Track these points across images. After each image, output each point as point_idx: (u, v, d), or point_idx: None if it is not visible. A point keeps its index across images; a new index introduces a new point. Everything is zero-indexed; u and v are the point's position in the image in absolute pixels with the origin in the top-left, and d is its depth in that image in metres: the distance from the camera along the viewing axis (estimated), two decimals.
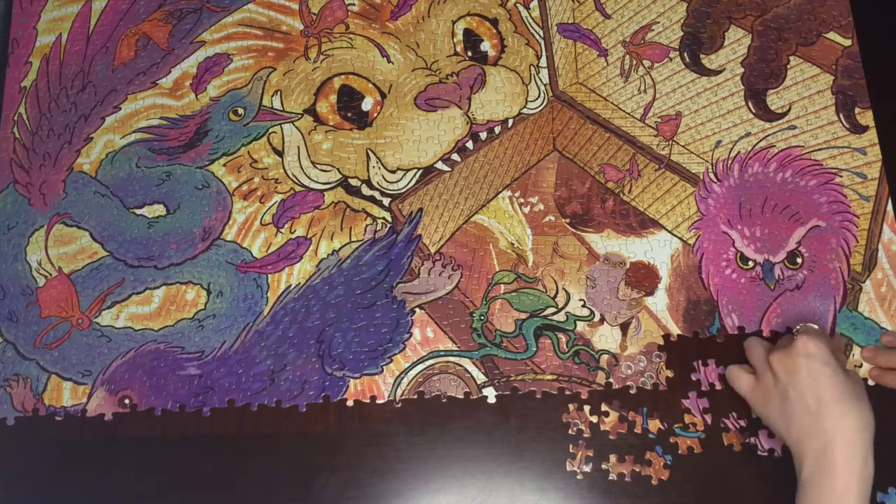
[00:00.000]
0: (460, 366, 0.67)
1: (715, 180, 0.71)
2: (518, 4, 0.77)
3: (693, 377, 0.65)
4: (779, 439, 0.60)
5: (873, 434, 0.54)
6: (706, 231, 0.70)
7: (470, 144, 0.73)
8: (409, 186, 0.72)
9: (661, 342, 0.67)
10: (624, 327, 0.67)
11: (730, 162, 0.71)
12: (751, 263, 0.68)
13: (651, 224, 0.70)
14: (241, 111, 0.74)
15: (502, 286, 0.69)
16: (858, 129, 0.72)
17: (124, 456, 0.66)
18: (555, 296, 0.68)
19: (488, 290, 0.69)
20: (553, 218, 0.71)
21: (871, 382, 0.64)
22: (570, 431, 0.64)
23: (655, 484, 0.62)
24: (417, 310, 0.68)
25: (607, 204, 0.71)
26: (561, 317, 0.68)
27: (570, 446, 0.64)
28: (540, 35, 0.76)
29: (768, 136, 0.72)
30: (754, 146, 0.72)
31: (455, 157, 0.73)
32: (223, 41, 0.77)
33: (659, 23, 0.76)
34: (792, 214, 0.69)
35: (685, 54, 0.75)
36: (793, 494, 0.57)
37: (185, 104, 0.75)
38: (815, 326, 0.61)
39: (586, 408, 0.65)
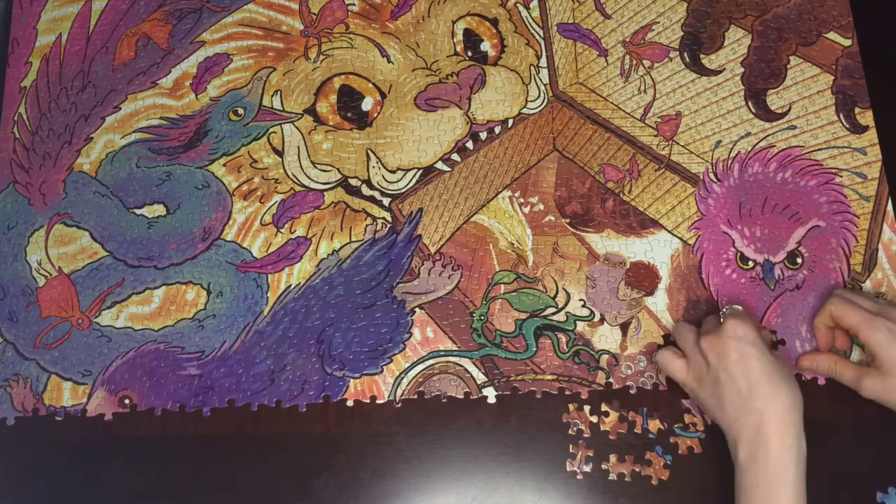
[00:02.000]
0: (460, 366, 0.67)
1: (715, 180, 0.71)
2: (518, 4, 0.77)
3: None
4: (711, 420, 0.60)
5: (802, 412, 0.55)
6: (706, 231, 0.70)
7: (470, 144, 0.73)
8: (409, 186, 0.72)
9: (662, 342, 0.67)
10: (624, 327, 0.67)
11: (730, 162, 0.71)
12: (751, 263, 0.68)
13: (651, 224, 0.70)
14: (241, 111, 0.74)
15: (502, 286, 0.69)
16: (858, 129, 0.72)
17: (124, 456, 0.66)
18: (555, 296, 0.68)
19: (488, 290, 0.69)
20: (553, 218, 0.71)
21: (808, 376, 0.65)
22: (570, 431, 0.64)
23: (655, 484, 0.62)
24: (417, 310, 0.68)
25: (607, 204, 0.71)
26: (561, 317, 0.68)
27: (570, 446, 0.64)
28: (540, 35, 0.76)
29: (768, 136, 0.72)
30: (754, 146, 0.72)
31: (455, 157, 0.73)
32: (223, 41, 0.77)
33: (659, 23, 0.76)
34: (792, 214, 0.69)
35: (685, 54, 0.75)
36: None
37: (185, 104, 0.75)
38: (741, 308, 0.62)
39: (586, 408, 0.65)
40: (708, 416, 0.60)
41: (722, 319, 0.60)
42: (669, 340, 0.67)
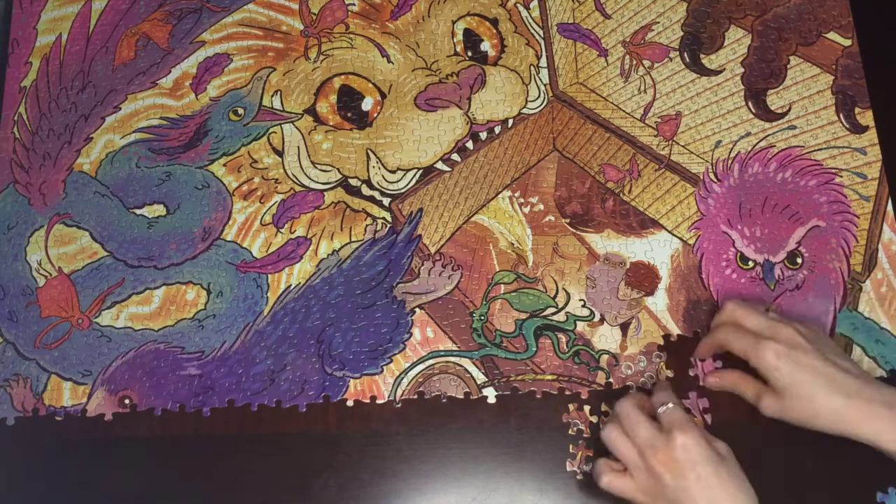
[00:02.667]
0: (460, 366, 0.67)
1: (715, 180, 0.71)
2: (518, 4, 0.77)
3: (691, 373, 0.65)
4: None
5: None
6: (706, 231, 0.70)
7: (470, 144, 0.73)
8: (409, 186, 0.72)
9: (662, 342, 0.67)
10: (624, 327, 0.67)
11: (730, 162, 0.71)
12: (751, 263, 0.68)
13: (651, 224, 0.70)
14: (241, 111, 0.74)
15: (502, 286, 0.69)
16: (858, 129, 0.72)
17: (124, 456, 0.66)
18: (555, 296, 0.68)
19: (488, 290, 0.69)
20: (553, 218, 0.71)
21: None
22: (570, 431, 0.64)
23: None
24: (417, 310, 0.68)
25: (607, 204, 0.71)
26: (561, 317, 0.68)
27: (570, 446, 0.64)
28: (540, 35, 0.76)
29: (768, 136, 0.72)
30: (754, 146, 0.72)
31: (455, 157, 0.73)
32: (223, 41, 0.77)
33: (659, 23, 0.76)
34: (792, 214, 0.69)
35: (685, 54, 0.75)
36: (796, 493, 0.58)
37: (185, 104, 0.75)
38: (674, 407, 0.57)
39: (586, 408, 0.65)
40: None
41: (661, 413, 0.57)
42: (669, 340, 0.67)
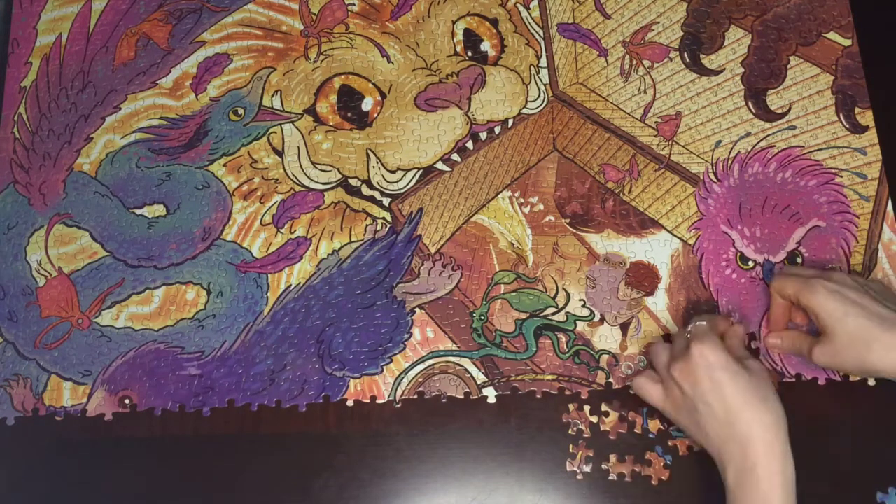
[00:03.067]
0: (460, 366, 0.67)
1: (715, 180, 0.71)
2: (518, 4, 0.77)
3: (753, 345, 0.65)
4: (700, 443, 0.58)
5: (787, 427, 0.55)
6: (706, 231, 0.70)
7: (470, 144, 0.73)
8: (409, 186, 0.72)
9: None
10: (624, 327, 0.67)
11: (730, 162, 0.71)
12: (751, 263, 0.68)
13: (651, 224, 0.70)
14: (241, 111, 0.74)
15: (502, 286, 0.69)
16: (858, 129, 0.72)
17: (124, 456, 0.66)
18: (555, 296, 0.68)
19: (488, 290, 0.69)
20: (553, 218, 0.71)
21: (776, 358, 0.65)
22: (570, 431, 0.64)
23: (655, 484, 0.62)
24: (417, 310, 0.68)
25: (607, 204, 0.71)
26: (561, 317, 0.68)
27: (570, 446, 0.64)
28: (540, 35, 0.76)
29: (768, 136, 0.72)
30: (754, 146, 0.72)
31: (455, 157, 0.73)
32: (223, 41, 0.77)
33: (659, 23, 0.76)
34: (792, 214, 0.69)
35: (685, 54, 0.75)
36: (796, 493, 0.57)
37: (185, 104, 0.75)
38: (705, 325, 0.60)
39: (586, 408, 0.65)
40: (692, 440, 0.59)
41: (688, 331, 0.60)
42: (668, 341, 0.67)
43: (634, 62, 0.75)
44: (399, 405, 0.66)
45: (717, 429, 0.55)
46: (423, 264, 0.69)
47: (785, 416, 0.55)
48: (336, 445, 0.65)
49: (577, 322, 0.67)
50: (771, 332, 0.64)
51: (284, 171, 0.73)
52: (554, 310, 0.68)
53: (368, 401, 0.66)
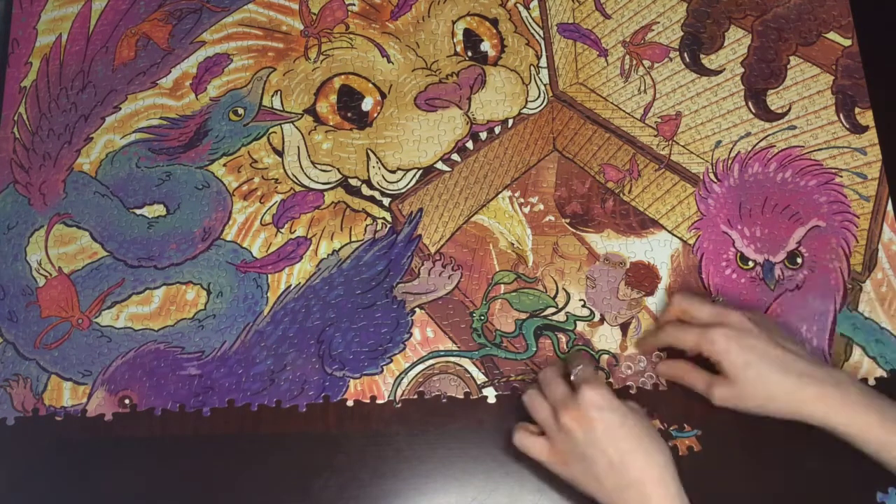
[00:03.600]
0: (460, 366, 0.67)
1: (715, 180, 0.71)
2: (518, 4, 0.77)
3: (640, 365, 0.65)
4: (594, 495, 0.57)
5: (675, 466, 0.55)
6: (706, 231, 0.70)
7: (470, 144, 0.73)
8: (409, 186, 0.72)
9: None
10: (624, 327, 0.67)
11: (730, 162, 0.71)
12: (751, 263, 0.68)
13: (651, 224, 0.70)
14: (241, 111, 0.74)
15: (502, 286, 0.69)
16: (858, 129, 0.72)
17: (124, 456, 0.66)
18: (555, 296, 0.68)
19: (488, 290, 0.69)
20: (553, 218, 0.71)
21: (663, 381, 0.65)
22: None
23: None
24: (417, 310, 0.68)
25: (607, 204, 0.71)
26: (561, 317, 0.68)
27: None
28: (540, 35, 0.76)
29: (768, 136, 0.72)
30: (754, 146, 0.72)
31: (455, 157, 0.73)
32: (223, 41, 0.77)
33: (659, 23, 0.76)
34: (792, 214, 0.69)
35: (685, 54, 0.75)
36: (795, 494, 0.58)
37: (185, 104, 0.75)
38: (583, 368, 0.59)
39: None
40: (583, 491, 0.57)
41: (573, 377, 0.59)
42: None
43: (634, 62, 0.75)
44: (399, 405, 0.66)
45: (611, 475, 0.54)
46: (423, 264, 0.69)
47: (671, 457, 0.55)
48: (336, 445, 0.65)
49: (577, 322, 0.67)
50: (664, 361, 0.64)
51: (284, 171, 0.73)
52: (554, 310, 0.68)
53: (368, 401, 0.66)
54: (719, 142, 0.72)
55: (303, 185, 0.72)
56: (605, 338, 0.67)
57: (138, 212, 0.72)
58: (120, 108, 0.75)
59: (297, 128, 0.74)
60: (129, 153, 0.74)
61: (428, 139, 0.73)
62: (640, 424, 0.56)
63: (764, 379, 0.56)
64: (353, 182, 0.72)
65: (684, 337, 0.60)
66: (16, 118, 0.75)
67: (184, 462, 0.65)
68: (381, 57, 0.76)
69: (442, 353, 0.67)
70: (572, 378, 0.60)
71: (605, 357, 0.66)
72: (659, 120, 0.73)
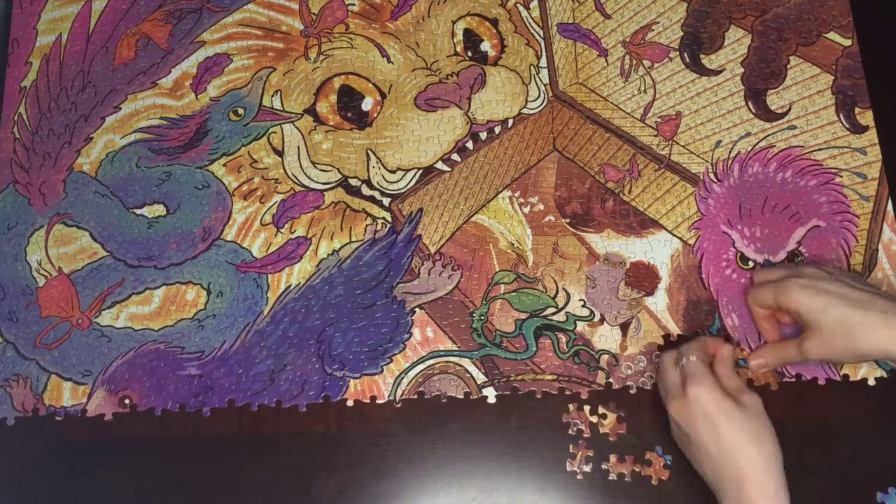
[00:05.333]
0: (460, 366, 0.67)
1: (715, 180, 0.71)
2: (518, 4, 0.77)
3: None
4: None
5: (781, 464, 0.55)
6: (706, 231, 0.70)
7: (470, 144, 0.73)
8: (409, 186, 0.72)
9: (662, 342, 0.67)
10: (624, 327, 0.67)
11: (730, 162, 0.71)
12: (751, 263, 0.68)
13: (651, 224, 0.70)
14: (241, 111, 0.74)
15: (502, 286, 0.69)
16: (858, 129, 0.72)
17: (124, 456, 0.66)
18: (555, 296, 0.68)
19: (488, 290, 0.69)
20: (553, 218, 0.71)
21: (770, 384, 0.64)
22: (570, 431, 0.64)
23: (655, 484, 0.62)
24: (417, 310, 0.68)
25: (607, 204, 0.71)
26: (561, 317, 0.68)
27: (570, 446, 0.64)
28: (540, 35, 0.76)
29: (768, 136, 0.72)
30: (754, 146, 0.72)
31: (455, 157, 0.73)
32: (223, 41, 0.77)
33: (659, 23, 0.76)
34: (792, 214, 0.69)
35: (685, 54, 0.75)
36: (795, 494, 0.57)
37: (185, 104, 0.75)
38: (696, 360, 0.59)
39: (586, 408, 0.65)
40: (695, 467, 0.59)
41: (682, 363, 0.59)
42: (669, 340, 0.67)
43: (634, 62, 0.75)
44: (399, 405, 0.66)
45: (713, 466, 0.56)
46: (423, 264, 0.69)
47: (779, 453, 0.55)
48: (336, 445, 0.65)
49: (577, 322, 0.67)
50: (751, 354, 0.64)
51: (284, 171, 0.73)
52: (554, 310, 0.68)
53: (368, 401, 0.66)
54: (719, 142, 0.72)
55: (303, 185, 0.72)
56: (605, 338, 0.67)
57: (138, 212, 0.72)
58: (120, 108, 0.75)
59: (297, 128, 0.74)
60: (129, 153, 0.74)
61: (428, 139, 0.73)
62: (745, 422, 0.55)
63: (846, 319, 0.55)
64: (353, 182, 0.72)
65: (764, 294, 0.60)
66: (16, 118, 0.75)
67: (184, 462, 0.65)
68: (381, 57, 0.76)
69: (442, 353, 0.67)
70: (680, 364, 0.59)
71: (605, 357, 0.66)
72: (659, 120, 0.73)
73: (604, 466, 0.63)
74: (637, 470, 0.63)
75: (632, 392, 0.65)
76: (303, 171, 0.73)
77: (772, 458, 0.55)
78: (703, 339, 0.62)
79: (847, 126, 0.72)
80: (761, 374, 0.64)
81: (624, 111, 0.73)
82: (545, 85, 0.75)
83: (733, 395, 0.57)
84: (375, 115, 0.74)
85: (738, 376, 0.60)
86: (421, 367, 0.67)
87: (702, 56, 0.75)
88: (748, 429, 0.55)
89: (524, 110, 0.74)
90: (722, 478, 0.55)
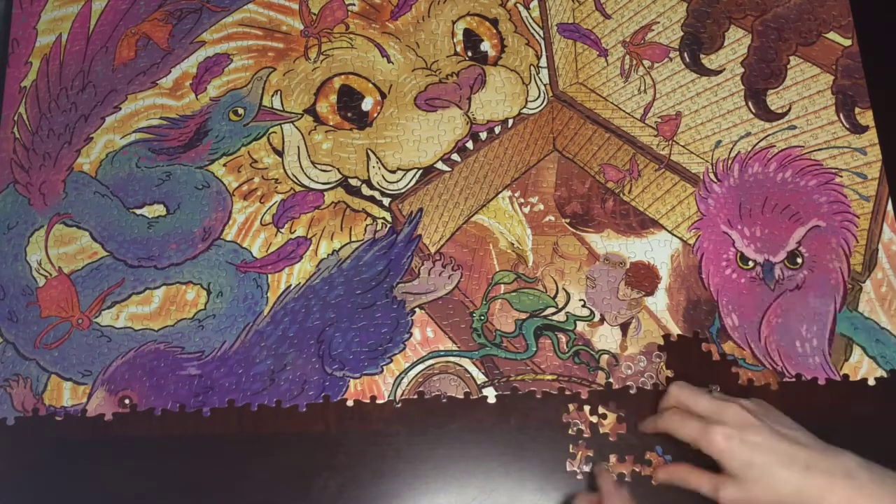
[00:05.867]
0: (460, 366, 0.67)
1: (715, 180, 0.71)
2: (518, 4, 0.77)
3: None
4: None
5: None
6: (706, 231, 0.70)
7: (470, 144, 0.73)
8: (409, 186, 0.72)
9: (662, 342, 0.67)
10: (624, 327, 0.67)
11: (730, 162, 0.71)
12: (751, 263, 0.68)
13: (651, 224, 0.70)
14: (241, 111, 0.74)
15: (502, 286, 0.69)
16: (858, 129, 0.72)
17: (124, 456, 0.66)
18: (555, 296, 0.68)
19: (488, 290, 0.69)
20: (553, 218, 0.71)
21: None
22: (570, 431, 0.64)
23: (655, 484, 0.62)
24: (417, 310, 0.68)
25: (607, 204, 0.71)
26: (561, 317, 0.68)
27: (570, 446, 0.64)
28: (540, 35, 0.76)
29: (768, 136, 0.72)
30: (754, 146, 0.72)
31: (455, 157, 0.73)
32: (223, 41, 0.77)
33: (659, 23, 0.76)
34: (792, 214, 0.69)
35: (685, 54, 0.75)
36: None
37: (185, 104, 0.75)
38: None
39: (586, 408, 0.65)
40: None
41: (711, 388, 0.59)
42: (669, 340, 0.67)
43: (634, 62, 0.75)
44: (399, 405, 0.66)
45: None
46: (423, 264, 0.69)
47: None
48: (336, 445, 0.65)
49: (577, 322, 0.67)
50: (661, 467, 0.61)
51: (284, 171, 0.73)
52: (554, 310, 0.68)
53: (368, 401, 0.66)
54: (719, 142, 0.72)
55: (303, 185, 0.72)
56: (605, 338, 0.67)
57: (138, 212, 0.72)
58: (120, 108, 0.75)
59: (297, 128, 0.74)
60: (129, 153, 0.74)
61: (428, 139, 0.73)
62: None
63: (770, 477, 0.54)
64: (353, 182, 0.72)
65: (684, 430, 0.58)
66: (16, 118, 0.75)
67: (184, 462, 0.65)
68: (381, 57, 0.76)
69: (442, 353, 0.67)
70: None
71: (605, 357, 0.66)
72: (659, 120, 0.73)
73: (604, 466, 0.63)
74: (637, 470, 0.63)
75: (632, 392, 0.65)
76: (303, 171, 0.73)
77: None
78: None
79: (847, 126, 0.72)
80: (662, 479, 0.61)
81: (624, 111, 0.73)
82: (545, 85, 0.75)
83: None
84: (375, 115, 0.74)
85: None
86: (421, 367, 0.67)
87: (702, 56, 0.75)
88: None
89: (524, 110, 0.74)
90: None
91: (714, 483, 0.56)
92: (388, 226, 0.71)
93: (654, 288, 0.68)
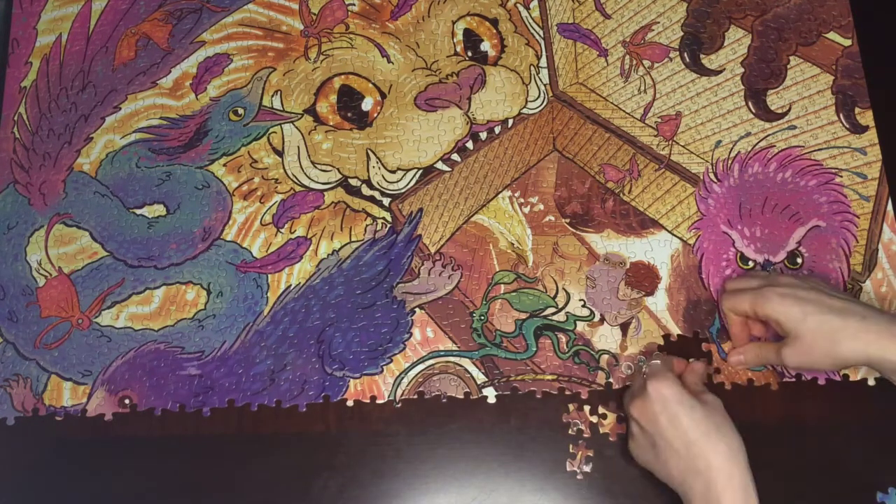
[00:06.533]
0: (460, 366, 0.67)
1: (715, 180, 0.71)
2: (518, 4, 0.77)
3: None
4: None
5: (746, 458, 0.55)
6: (706, 231, 0.70)
7: (470, 144, 0.73)
8: (409, 186, 0.72)
9: (662, 342, 0.67)
10: (624, 327, 0.67)
11: (730, 162, 0.71)
12: (751, 263, 0.68)
13: (651, 224, 0.70)
14: (241, 111, 0.74)
15: (502, 286, 0.69)
16: (858, 129, 0.72)
17: (124, 456, 0.66)
18: (555, 296, 0.68)
19: (488, 290, 0.69)
20: (553, 218, 0.71)
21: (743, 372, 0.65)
22: (570, 431, 0.64)
23: (655, 484, 0.62)
24: (417, 310, 0.68)
25: (607, 204, 0.71)
26: (561, 317, 0.68)
27: (570, 446, 0.64)
28: (540, 35, 0.76)
29: (768, 136, 0.72)
30: (754, 146, 0.72)
31: (455, 157, 0.73)
32: (223, 41, 0.77)
33: (659, 23, 0.76)
34: (792, 214, 0.69)
35: (685, 54, 0.75)
36: (796, 494, 0.58)
37: (185, 104, 0.75)
38: (659, 363, 0.60)
39: (586, 408, 0.65)
40: (658, 477, 0.58)
41: (643, 373, 0.60)
42: (669, 340, 0.67)
43: (634, 62, 0.75)
44: (399, 405, 0.66)
45: (678, 462, 0.55)
46: (423, 264, 0.69)
47: (743, 447, 0.55)
48: (336, 445, 0.65)
49: (577, 322, 0.67)
50: (732, 349, 0.64)
51: (284, 171, 0.73)
52: (554, 310, 0.68)
53: (368, 401, 0.66)
54: (719, 142, 0.72)
55: (303, 185, 0.72)
56: (605, 338, 0.67)
57: (138, 212, 0.72)
58: (120, 108, 0.75)
59: (297, 128, 0.74)
60: (129, 153, 0.74)
61: (428, 139, 0.73)
62: (706, 415, 0.55)
63: (826, 325, 0.55)
64: (353, 182, 0.72)
65: (741, 302, 0.60)
66: (16, 118, 0.75)
67: (184, 462, 0.65)
68: (381, 57, 0.76)
69: (442, 353, 0.67)
70: (643, 372, 0.60)
71: (605, 357, 0.66)
72: (659, 120, 0.73)
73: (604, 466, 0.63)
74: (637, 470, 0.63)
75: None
76: (303, 171, 0.73)
77: (736, 449, 0.55)
78: (670, 356, 0.63)
79: (847, 126, 0.72)
80: (737, 370, 0.64)
81: (624, 111, 0.73)
82: (545, 85, 0.75)
83: (695, 395, 0.57)
84: (375, 115, 0.74)
85: (703, 385, 0.61)
86: (421, 367, 0.67)
87: (702, 56, 0.75)
88: (710, 421, 0.55)
89: (524, 110, 0.74)
90: (688, 472, 0.55)
91: (778, 349, 0.58)
92: (388, 226, 0.71)
93: (654, 288, 0.68)
